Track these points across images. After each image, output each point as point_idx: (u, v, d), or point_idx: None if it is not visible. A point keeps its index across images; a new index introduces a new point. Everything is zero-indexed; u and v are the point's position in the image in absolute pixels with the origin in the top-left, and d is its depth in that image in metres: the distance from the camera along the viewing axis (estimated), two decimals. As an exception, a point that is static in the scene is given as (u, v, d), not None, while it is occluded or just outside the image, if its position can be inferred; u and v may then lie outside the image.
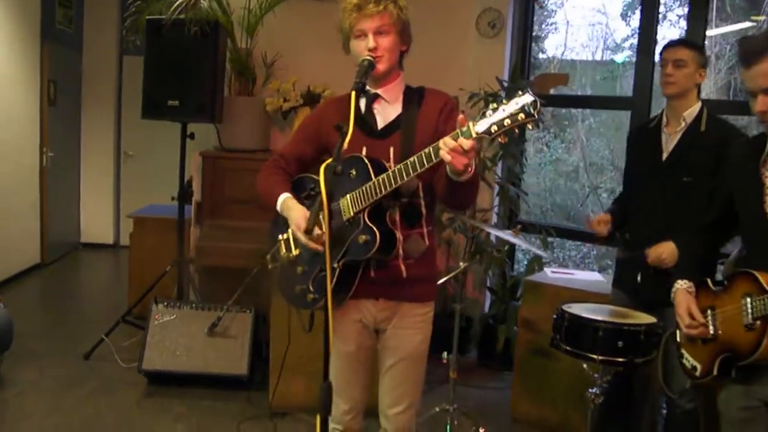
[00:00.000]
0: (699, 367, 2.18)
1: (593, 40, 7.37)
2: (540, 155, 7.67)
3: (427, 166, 1.96)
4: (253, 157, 4.55)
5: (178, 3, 4.08)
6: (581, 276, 3.97)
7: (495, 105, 1.80)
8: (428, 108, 2.26)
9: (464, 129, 1.83)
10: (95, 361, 4.37)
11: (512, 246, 4.52)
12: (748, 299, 2.00)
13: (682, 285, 2.24)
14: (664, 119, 3.08)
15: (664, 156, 3.03)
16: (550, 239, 4.80)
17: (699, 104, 3.01)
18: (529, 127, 1.79)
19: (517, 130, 1.80)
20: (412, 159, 1.99)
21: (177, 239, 4.56)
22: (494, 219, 4.77)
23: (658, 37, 4.60)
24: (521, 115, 1.76)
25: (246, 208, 4.45)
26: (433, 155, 1.93)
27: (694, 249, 2.31)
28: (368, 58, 2.16)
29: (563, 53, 7.36)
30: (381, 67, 2.19)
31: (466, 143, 1.82)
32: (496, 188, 4.71)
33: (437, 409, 3.51)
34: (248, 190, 4.50)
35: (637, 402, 3.40)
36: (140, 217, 5.35)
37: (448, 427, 3.44)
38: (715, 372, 2.11)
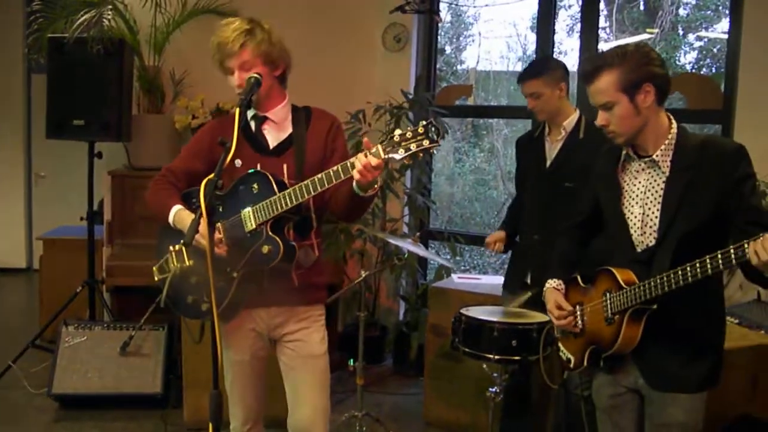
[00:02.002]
0: (572, 359, 2.33)
1: (512, 51, 7.63)
2: (459, 165, 7.87)
3: (335, 182, 2.10)
4: (162, 174, 4.53)
5: (80, 21, 4.05)
6: (486, 281, 4.11)
7: (401, 131, 1.96)
8: (317, 127, 2.40)
9: (373, 150, 1.99)
10: (2, 389, 4.22)
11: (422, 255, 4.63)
12: (608, 295, 2.15)
13: (551, 284, 2.38)
14: (547, 129, 3.25)
15: (548, 163, 3.20)
16: (467, 247, 4.94)
17: (576, 113, 3.19)
18: (433, 152, 1.98)
19: (421, 155, 1.97)
20: (320, 176, 2.11)
21: (87, 260, 4.51)
22: (405, 229, 4.88)
23: (568, 48, 4.82)
24: (425, 141, 1.94)
25: (156, 226, 4.42)
26: (342, 173, 2.07)
27: (564, 249, 2.45)
28: (255, 75, 2.26)
29: (477, 64, 7.60)
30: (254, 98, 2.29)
31: (374, 161, 1.99)
32: (405, 198, 4.82)
33: (346, 415, 3.57)
34: (159, 207, 4.54)
35: (537, 398, 3.55)
36: (50, 239, 5.24)
37: (357, 433, 3.51)
38: (585, 363, 2.25)
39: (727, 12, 4.26)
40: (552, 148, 3.21)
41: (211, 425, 1.95)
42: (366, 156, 2.00)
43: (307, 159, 2.33)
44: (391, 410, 4.19)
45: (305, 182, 2.13)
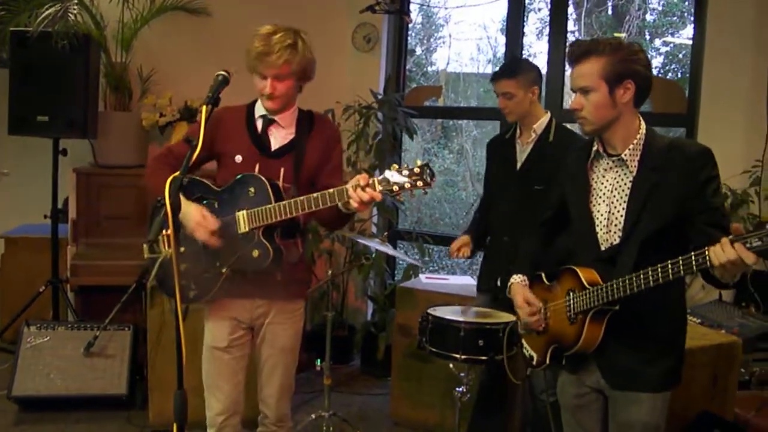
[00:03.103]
0: (535, 356, 2.35)
1: (482, 53, 7.67)
2: (429, 166, 7.88)
3: (329, 205, 2.19)
4: (129, 173, 4.48)
5: (44, 15, 3.97)
6: (454, 281, 4.13)
7: (398, 167, 2.05)
8: (318, 136, 2.51)
9: (371, 182, 2.08)
10: (-40, 392, 4.14)
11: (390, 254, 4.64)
12: (571, 294, 2.17)
13: (516, 279, 2.40)
14: (518, 131, 3.27)
15: (518, 165, 3.22)
16: (436, 248, 4.97)
17: (547, 115, 3.21)
18: (423, 192, 2.11)
19: (413, 193, 2.09)
20: (315, 195, 2.20)
21: (51, 258, 4.43)
22: (373, 229, 4.89)
23: (537, 51, 4.86)
24: (419, 182, 2.04)
25: (122, 225, 4.40)
26: (337, 198, 2.17)
27: (529, 246, 2.47)
28: (223, 73, 2.25)
29: (447, 65, 7.63)
30: (275, 106, 2.44)
31: (378, 196, 2.09)
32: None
33: (313, 416, 3.56)
34: (125, 206, 4.50)
35: (509, 398, 3.57)
36: (12, 237, 5.12)
37: (324, 433, 3.50)
38: (547, 361, 2.28)
39: (692, 18, 4.34)
40: (522, 151, 3.23)
41: (175, 425, 1.91)
42: (365, 190, 2.07)
43: (304, 165, 2.44)
44: (359, 410, 4.19)
45: (300, 199, 2.23)
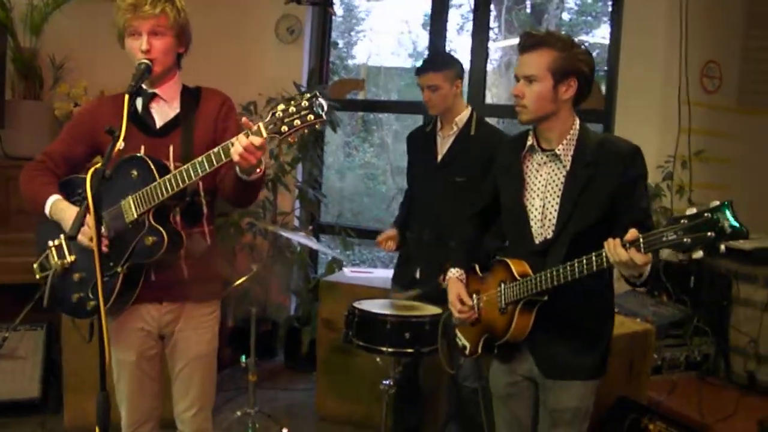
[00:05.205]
0: (468, 345, 2.39)
1: (402, 47, 7.70)
2: (349, 159, 7.88)
3: (216, 165, 1.98)
4: (40, 164, 4.28)
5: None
6: (378, 274, 4.14)
7: (284, 106, 1.83)
8: (207, 106, 2.29)
9: (255, 129, 1.87)
10: None
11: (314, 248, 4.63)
12: (503, 285, 2.22)
13: (453, 273, 2.43)
14: (439, 124, 3.31)
15: (439, 158, 3.25)
16: (357, 241, 4.97)
17: (469, 109, 3.26)
18: (317, 126, 1.85)
19: (306, 131, 1.84)
20: (200, 159, 1.99)
21: (-46, 256, 4.19)
22: (296, 222, 4.85)
23: (457, 46, 4.92)
24: (310, 116, 1.81)
25: (33, 220, 4.18)
26: (223, 155, 1.95)
27: (464, 238, 2.50)
28: (145, 61, 2.14)
29: (368, 59, 7.63)
30: (156, 69, 2.17)
31: (257, 140, 1.86)
32: (296, 191, 4.79)
33: (239, 413, 3.50)
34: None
35: (426, 388, 3.59)
36: None
37: (250, 431, 3.45)
38: (479, 350, 2.32)
39: (606, 19, 4.50)
40: (443, 143, 3.26)
41: (98, 429, 1.83)
42: (247, 136, 1.87)
43: (195, 140, 2.21)
44: (285, 406, 4.15)
45: (185, 166, 2.02)
